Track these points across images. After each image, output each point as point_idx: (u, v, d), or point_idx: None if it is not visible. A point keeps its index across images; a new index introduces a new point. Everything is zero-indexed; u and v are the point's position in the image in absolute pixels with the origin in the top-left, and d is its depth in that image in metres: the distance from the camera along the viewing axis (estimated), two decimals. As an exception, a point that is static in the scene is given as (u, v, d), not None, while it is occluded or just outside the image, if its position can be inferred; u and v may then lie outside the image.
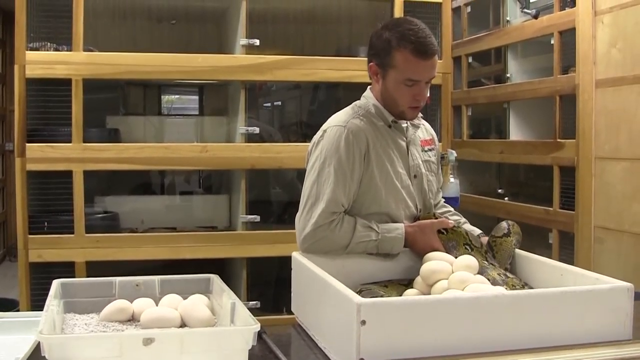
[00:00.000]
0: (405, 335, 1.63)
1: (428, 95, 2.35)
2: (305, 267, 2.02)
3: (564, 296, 1.73)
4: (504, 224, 2.33)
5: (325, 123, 2.40)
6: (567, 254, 4.02)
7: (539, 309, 1.70)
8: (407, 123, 2.43)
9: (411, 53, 2.22)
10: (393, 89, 2.31)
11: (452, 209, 2.67)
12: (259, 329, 1.64)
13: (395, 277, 2.21)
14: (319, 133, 2.37)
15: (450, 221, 2.36)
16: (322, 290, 1.85)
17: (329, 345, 1.81)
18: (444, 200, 2.70)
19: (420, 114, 2.48)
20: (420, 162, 2.44)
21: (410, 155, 2.41)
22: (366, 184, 2.31)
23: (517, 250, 2.26)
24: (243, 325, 1.71)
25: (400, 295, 2.07)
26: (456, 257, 2.19)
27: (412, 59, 2.23)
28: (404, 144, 2.40)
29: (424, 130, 2.54)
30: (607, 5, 3.72)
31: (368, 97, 2.43)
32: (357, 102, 2.45)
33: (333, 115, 2.43)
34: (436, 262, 2.07)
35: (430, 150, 2.52)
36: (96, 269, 3.72)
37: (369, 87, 2.45)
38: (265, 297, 4.05)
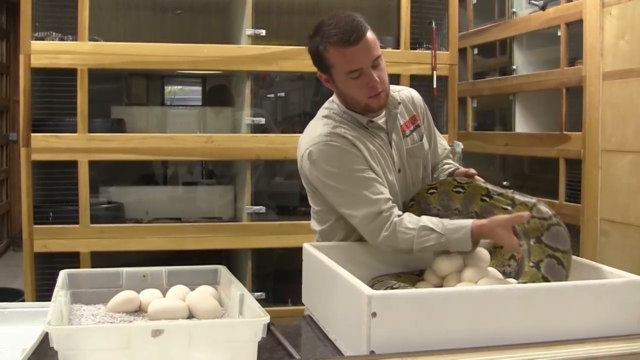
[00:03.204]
0: (416, 328, 1.62)
1: (386, 77, 2.23)
2: (316, 258, 2.01)
3: (577, 289, 1.72)
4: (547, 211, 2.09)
5: (303, 144, 2.29)
6: (573, 247, 4.00)
7: (551, 302, 1.69)
8: (384, 117, 2.32)
9: (337, 46, 2.14)
10: (344, 87, 2.22)
11: (454, 164, 2.51)
12: (268, 321, 1.63)
13: (407, 269, 2.19)
14: (304, 157, 2.26)
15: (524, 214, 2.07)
16: (332, 281, 1.84)
17: (339, 337, 1.80)
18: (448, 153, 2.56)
19: (395, 90, 2.39)
20: (404, 153, 2.34)
21: (394, 149, 2.32)
22: None
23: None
24: (252, 317, 1.70)
25: (414, 286, 2.05)
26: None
27: (341, 50, 2.14)
28: (385, 140, 2.31)
29: (402, 110, 2.38)
30: (615, -3, 3.71)
31: (337, 104, 2.33)
32: (327, 111, 2.33)
33: (307, 132, 2.32)
34: (448, 254, 2.06)
35: (415, 129, 2.39)
36: (101, 259, 3.72)
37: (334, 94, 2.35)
38: (270, 289, 4.05)
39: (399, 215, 2.14)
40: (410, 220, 2.12)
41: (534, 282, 1.89)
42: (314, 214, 2.43)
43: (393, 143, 2.31)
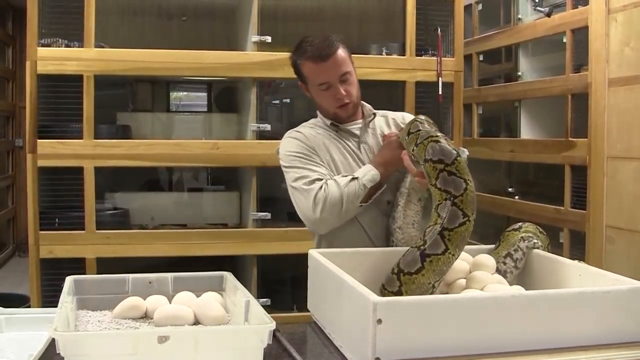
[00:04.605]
0: (421, 335, 1.61)
1: (355, 91, 2.48)
2: (321, 264, 2.01)
3: (582, 297, 1.72)
4: (520, 223, 2.33)
5: None
6: (578, 254, 4.01)
7: (557, 309, 1.69)
8: (361, 124, 2.55)
9: (310, 61, 2.43)
10: (316, 97, 2.51)
11: None
12: (274, 327, 1.63)
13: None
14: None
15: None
16: (338, 288, 1.84)
17: (345, 343, 1.80)
18: None
19: (379, 112, 2.62)
20: None
21: (365, 153, 2.52)
22: None
23: (536, 250, 2.22)
24: (258, 323, 1.70)
25: None
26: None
27: (312, 65, 2.43)
28: (353, 144, 2.53)
29: (389, 125, 2.61)
30: (620, 4, 3.70)
31: (318, 111, 2.63)
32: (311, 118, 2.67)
33: None
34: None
35: None
36: (106, 265, 3.72)
37: None
38: (275, 295, 4.04)
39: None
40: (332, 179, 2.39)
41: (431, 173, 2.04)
42: None
43: (363, 148, 2.52)
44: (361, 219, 2.44)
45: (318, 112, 2.61)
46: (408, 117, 2.63)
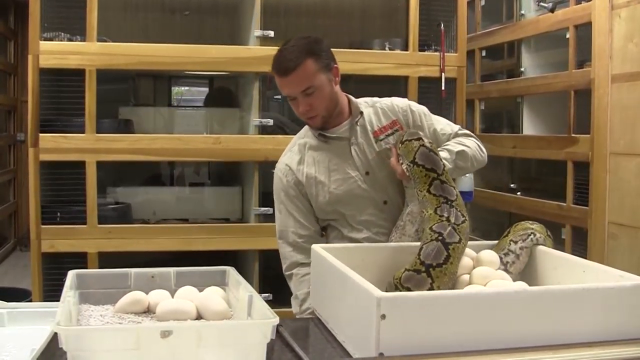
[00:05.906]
0: (425, 330, 1.61)
1: (321, 103, 2.39)
2: (325, 260, 2.00)
3: (586, 293, 1.71)
4: (509, 229, 2.28)
5: None
6: (580, 250, 4.00)
7: (561, 305, 1.68)
8: (348, 125, 2.49)
9: (274, 73, 2.38)
10: (290, 105, 2.46)
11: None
12: (277, 322, 1.63)
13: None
14: None
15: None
16: (341, 283, 1.83)
17: (348, 339, 1.79)
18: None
19: (368, 101, 2.57)
20: (373, 156, 2.47)
21: (356, 154, 2.48)
22: (319, 201, 2.51)
23: (540, 247, 2.21)
24: (261, 318, 1.70)
25: None
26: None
27: (277, 78, 2.38)
28: (344, 148, 2.48)
29: (379, 116, 2.53)
30: (624, -1, 3.69)
31: None
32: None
33: None
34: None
35: (392, 133, 2.50)
36: (108, 260, 3.72)
37: None
38: (278, 290, 4.04)
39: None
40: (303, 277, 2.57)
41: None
42: None
43: (353, 150, 2.48)
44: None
45: None
46: (398, 102, 2.56)
